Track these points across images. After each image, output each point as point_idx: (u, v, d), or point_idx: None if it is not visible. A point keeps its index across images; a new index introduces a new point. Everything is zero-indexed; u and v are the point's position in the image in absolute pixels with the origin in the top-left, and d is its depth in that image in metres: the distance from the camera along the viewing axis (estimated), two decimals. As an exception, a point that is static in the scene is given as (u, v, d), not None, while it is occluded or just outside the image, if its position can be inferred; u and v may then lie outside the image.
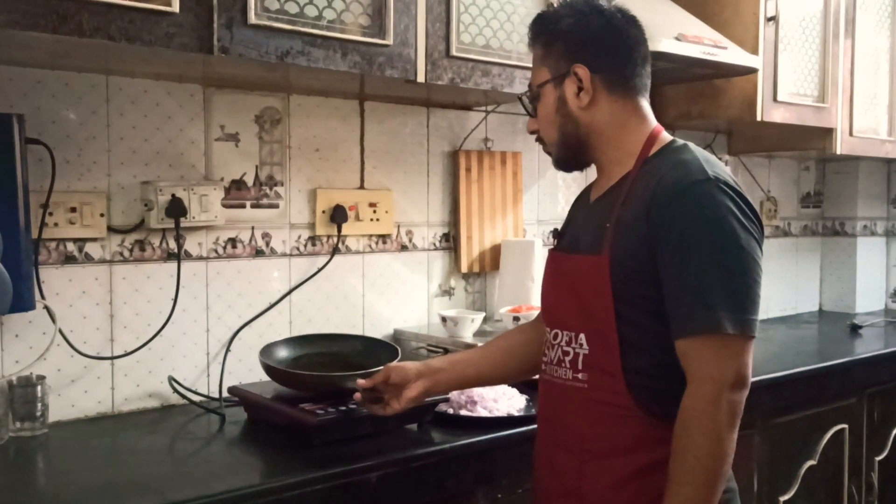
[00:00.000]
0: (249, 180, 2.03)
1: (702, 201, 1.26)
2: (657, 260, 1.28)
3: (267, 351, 1.80)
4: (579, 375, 1.36)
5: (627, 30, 1.40)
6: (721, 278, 1.24)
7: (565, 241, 1.50)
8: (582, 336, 1.36)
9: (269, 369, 1.73)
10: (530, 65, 1.44)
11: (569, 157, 1.45)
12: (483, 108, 2.46)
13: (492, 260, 2.47)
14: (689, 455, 1.23)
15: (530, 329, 1.63)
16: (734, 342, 1.24)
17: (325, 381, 1.70)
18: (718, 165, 1.33)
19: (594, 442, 1.35)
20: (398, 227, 2.31)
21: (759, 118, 2.66)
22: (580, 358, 1.36)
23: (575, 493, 1.37)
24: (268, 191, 2.06)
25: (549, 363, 1.44)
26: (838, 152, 3.01)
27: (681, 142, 1.39)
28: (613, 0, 1.61)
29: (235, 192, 2.01)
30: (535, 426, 1.53)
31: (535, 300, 2.37)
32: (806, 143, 3.08)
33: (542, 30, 1.44)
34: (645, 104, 1.42)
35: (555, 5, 1.47)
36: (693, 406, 1.24)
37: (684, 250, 1.25)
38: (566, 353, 1.39)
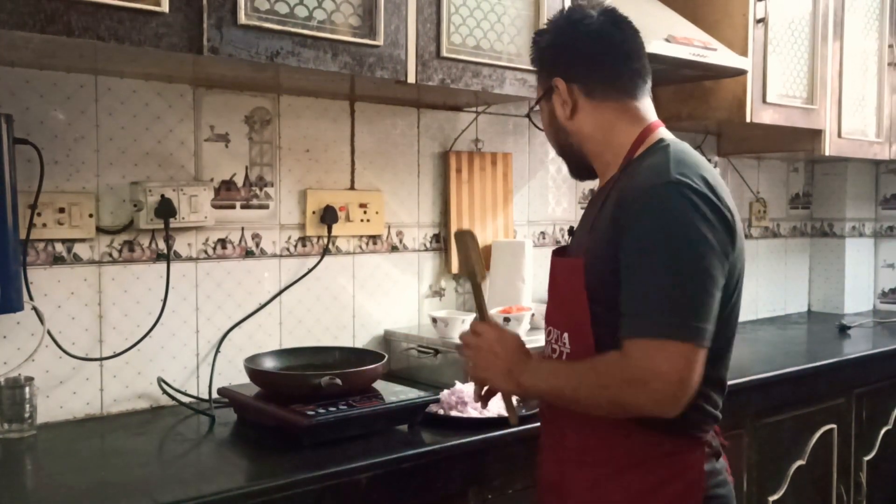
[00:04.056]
0: (239, 181, 2.03)
1: (659, 205, 1.24)
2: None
3: (253, 360, 1.83)
4: None
5: (605, 33, 1.39)
6: (666, 284, 1.21)
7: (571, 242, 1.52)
8: (566, 335, 1.38)
9: (251, 373, 1.76)
10: (520, 66, 1.46)
11: (573, 165, 1.51)
12: (473, 108, 2.46)
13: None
14: (587, 367, 1.27)
15: None
16: (669, 346, 1.19)
17: (299, 380, 1.71)
18: (692, 166, 1.28)
19: (574, 441, 1.37)
20: (388, 227, 2.31)
21: (748, 119, 2.67)
22: (563, 357, 1.39)
23: (557, 489, 1.40)
24: (258, 191, 2.06)
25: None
26: (827, 154, 3.02)
27: (666, 141, 1.36)
28: (606, 0, 1.61)
29: (225, 192, 2.00)
30: (525, 427, 1.55)
31: (526, 301, 2.38)
32: (795, 144, 3.09)
33: (533, 50, 1.49)
34: (636, 103, 1.40)
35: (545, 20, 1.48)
36: (614, 359, 1.23)
37: (636, 255, 1.24)
38: (553, 351, 1.42)
